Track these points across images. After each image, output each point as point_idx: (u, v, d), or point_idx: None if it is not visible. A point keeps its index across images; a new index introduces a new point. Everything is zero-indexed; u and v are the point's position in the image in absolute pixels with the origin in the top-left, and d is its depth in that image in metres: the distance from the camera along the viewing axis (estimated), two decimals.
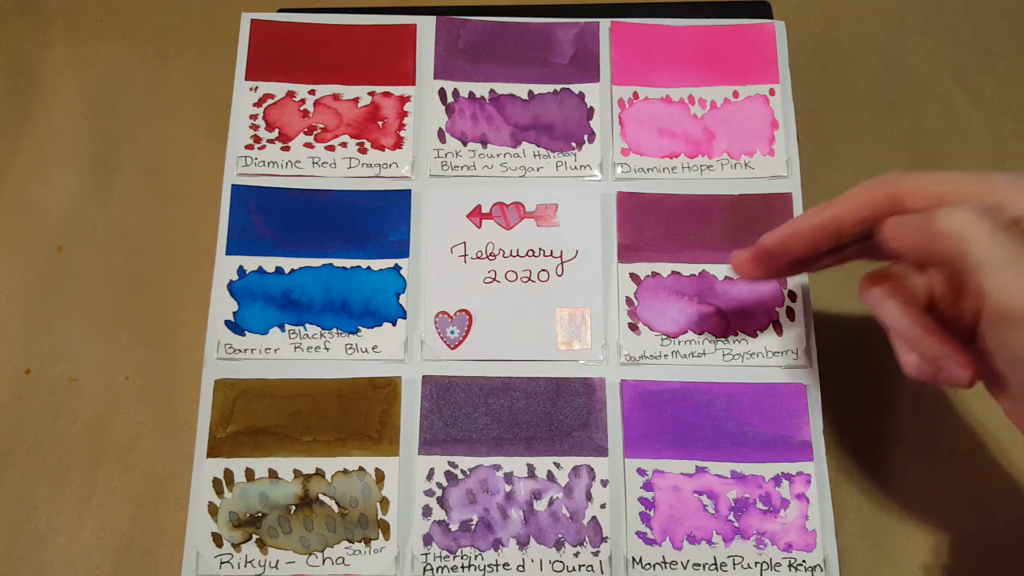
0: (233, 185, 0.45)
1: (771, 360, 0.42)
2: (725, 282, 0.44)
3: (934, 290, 0.32)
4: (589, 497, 0.40)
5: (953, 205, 0.29)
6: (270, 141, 0.46)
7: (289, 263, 0.44)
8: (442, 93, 0.47)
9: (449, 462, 0.41)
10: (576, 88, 0.47)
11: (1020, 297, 0.27)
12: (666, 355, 0.43)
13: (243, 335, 0.43)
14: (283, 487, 0.40)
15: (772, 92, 0.47)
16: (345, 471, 0.41)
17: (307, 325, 0.43)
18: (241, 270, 0.44)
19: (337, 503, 0.40)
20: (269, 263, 0.44)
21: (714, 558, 0.40)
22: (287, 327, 0.43)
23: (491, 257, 0.44)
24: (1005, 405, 0.31)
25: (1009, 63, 0.50)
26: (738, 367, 0.42)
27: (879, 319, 0.32)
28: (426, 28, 0.48)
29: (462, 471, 0.41)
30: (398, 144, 0.46)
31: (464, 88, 0.47)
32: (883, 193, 0.32)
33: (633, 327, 0.43)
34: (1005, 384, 0.30)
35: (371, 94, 0.47)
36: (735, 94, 0.47)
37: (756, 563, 0.39)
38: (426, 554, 0.40)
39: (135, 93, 0.50)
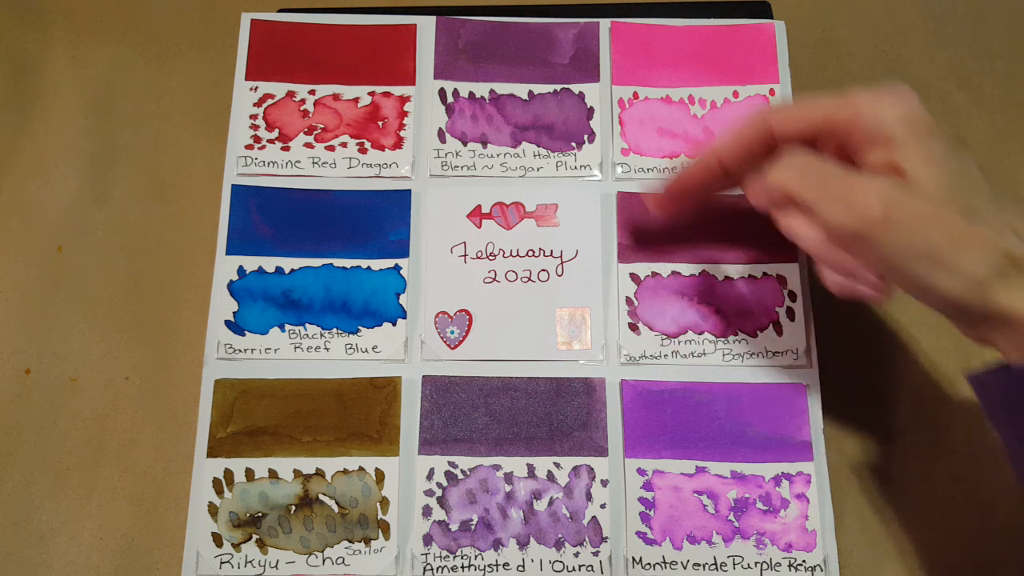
0: (233, 185, 0.45)
1: (771, 360, 0.42)
2: (725, 282, 0.44)
3: None
4: (589, 497, 0.40)
5: (779, 158, 0.33)
6: (270, 141, 0.46)
7: (289, 263, 0.44)
8: (442, 93, 0.47)
9: (449, 462, 0.41)
10: (576, 88, 0.47)
11: (847, 220, 0.31)
12: (666, 355, 0.43)
13: (243, 335, 0.43)
14: (283, 487, 0.40)
15: (772, 92, 0.47)
16: (345, 471, 0.41)
17: (307, 325, 0.43)
18: (241, 270, 0.44)
19: (337, 503, 0.40)
20: (269, 263, 0.44)
21: (714, 558, 0.40)
22: (287, 327, 0.43)
23: (491, 257, 0.44)
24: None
25: (1009, 63, 0.50)
26: (738, 367, 0.42)
27: (799, 245, 0.35)
28: (426, 28, 0.48)
29: (462, 471, 0.41)
30: (398, 144, 0.46)
31: (464, 88, 0.47)
32: (755, 130, 0.35)
33: (633, 327, 0.43)
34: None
35: (371, 94, 0.47)
36: (735, 94, 0.47)
37: (756, 563, 0.39)
38: (426, 554, 0.40)
39: (135, 93, 0.50)
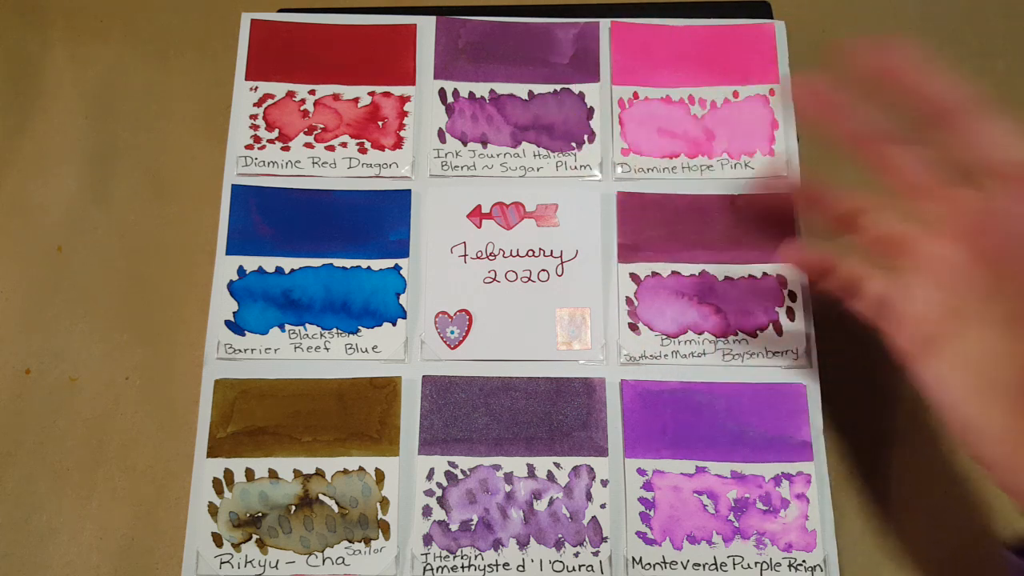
0: (233, 185, 0.45)
1: (771, 360, 0.42)
2: (725, 282, 0.44)
3: None
4: (589, 497, 0.40)
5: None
6: (270, 141, 0.46)
7: (289, 263, 0.44)
8: (442, 93, 0.47)
9: (449, 462, 0.41)
10: (576, 88, 0.47)
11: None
12: (666, 355, 0.43)
13: (243, 335, 0.43)
14: (283, 487, 0.40)
15: (772, 92, 0.47)
16: (345, 471, 0.41)
17: (307, 325, 0.43)
18: (241, 270, 0.44)
19: (337, 503, 0.40)
20: (269, 263, 0.44)
21: (714, 558, 0.40)
22: (287, 327, 0.43)
23: (491, 257, 0.44)
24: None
25: (1009, 63, 0.50)
26: (738, 367, 0.42)
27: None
28: (426, 28, 0.48)
29: (462, 471, 0.41)
30: (398, 144, 0.46)
31: (464, 88, 0.47)
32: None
33: (633, 327, 0.43)
34: None
35: (371, 94, 0.47)
36: (735, 94, 0.47)
37: (756, 563, 0.39)
38: (426, 554, 0.40)
39: (135, 93, 0.50)
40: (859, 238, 0.36)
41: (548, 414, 0.42)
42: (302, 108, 0.47)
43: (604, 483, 0.41)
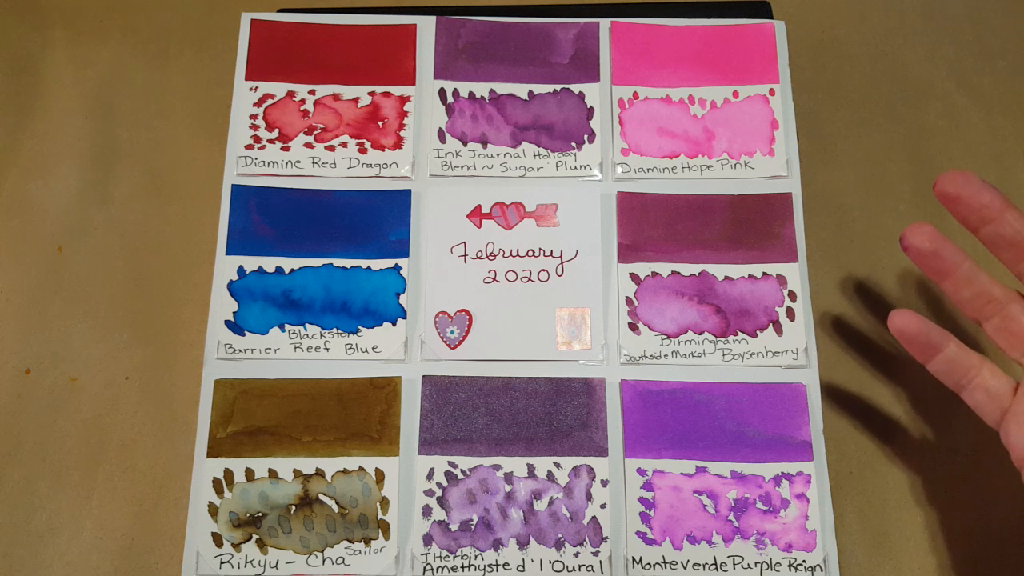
0: (233, 185, 0.45)
1: (771, 360, 0.42)
2: (725, 282, 0.44)
3: None
4: (589, 497, 0.40)
5: None
6: (270, 141, 0.46)
7: (289, 263, 0.44)
8: (442, 93, 0.47)
9: (449, 462, 0.41)
10: (576, 88, 0.47)
11: None
12: (666, 355, 0.43)
13: (243, 335, 0.43)
14: (283, 487, 0.41)
15: (772, 92, 0.47)
16: (345, 471, 0.41)
17: (307, 325, 0.43)
18: (241, 270, 0.44)
19: (337, 503, 0.40)
20: (269, 263, 0.44)
21: (714, 558, 0.40)
22: (287, 327, 0.43)
23: (491, 257, 0.44)
24: None
25: (1009, 63, 0.50)
26: (738, 367, 0.42)
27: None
28: (426, 28, 0.48)
29: (462, 471, 0.41)
30: (398, 144, 0.46)
31: (464, 88, 0.47)
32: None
33: (633, 327, 0.43)
34: None
35: (371, 94, 0.47)
36: (735, 94, 0.47)
37: (756, 563, 0.39)
38: (426, 554, 0.40)
39: (135, 93, 0.50)
40: (985, 325, 0.35)
41: (548, 414, 0.42)
42: (302, 108, 0.47)
43: (604, 483, 0.41)
